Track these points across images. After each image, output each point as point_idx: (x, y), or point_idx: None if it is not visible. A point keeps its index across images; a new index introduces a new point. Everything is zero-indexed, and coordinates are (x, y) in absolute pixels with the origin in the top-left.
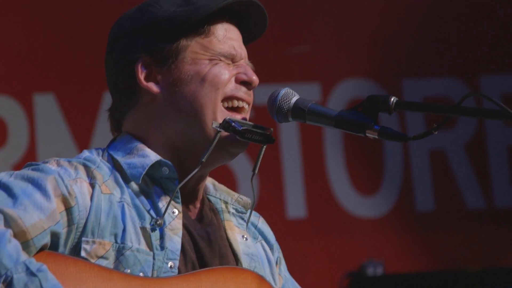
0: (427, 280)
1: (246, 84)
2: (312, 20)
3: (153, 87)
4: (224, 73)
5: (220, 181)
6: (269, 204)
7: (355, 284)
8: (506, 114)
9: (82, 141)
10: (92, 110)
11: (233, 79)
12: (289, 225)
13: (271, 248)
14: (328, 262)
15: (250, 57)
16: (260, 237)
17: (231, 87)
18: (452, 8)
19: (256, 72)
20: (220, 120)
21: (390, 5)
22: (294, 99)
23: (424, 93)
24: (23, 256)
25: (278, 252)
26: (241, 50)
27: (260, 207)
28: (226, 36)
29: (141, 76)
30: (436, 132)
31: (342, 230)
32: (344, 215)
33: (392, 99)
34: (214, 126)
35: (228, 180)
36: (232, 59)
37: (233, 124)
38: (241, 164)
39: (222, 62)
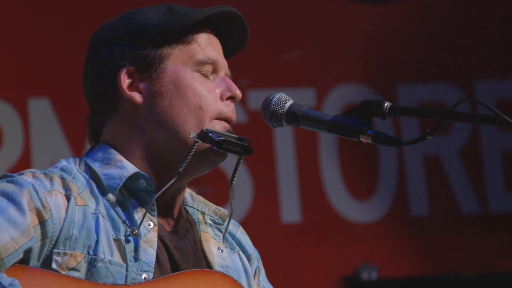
0: (421, 285)
1: (231, 98)
2: (307, 26)
3: (136, 96)
4: (206, 93)
5: (213, 186)
6: (263, 208)
7: None
8: (500, 120)
9: (77, 146)
10: (87, 115)
11: (218, 97)
12: (283, 230)
13: (249, 258)
14: (322, 266)
15: (246, 62)
16: (237, 248)
17: (221, 108)
18: (447, 14)
19: (251, 76)
20: (198, 131)
21: (385, 10)
22: (288, 104)
23: (419, 98)
24: None
25: (257, 262)
26: (222, 59)
27: (254, 211)
28: (208, 44)
29: (124, 85)
30: (430, 137)
31: (337, 235)
32: (338, 220)
33: (386, 104)
34: (191, 136)
35: (221, 185)
36: (214, 66)
37: (210, 134)
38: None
39: (202, 75)
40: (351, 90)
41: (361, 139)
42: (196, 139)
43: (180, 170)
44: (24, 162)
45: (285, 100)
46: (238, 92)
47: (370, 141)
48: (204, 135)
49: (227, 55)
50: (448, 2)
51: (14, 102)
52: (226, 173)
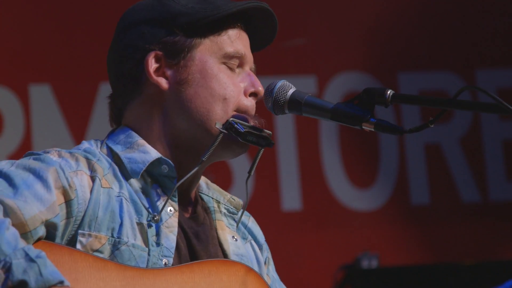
0: (421, 273)
1: (253, 94)
2: (308, 13)
3: (162, 82)
4: (231, 86)
5: (217, 177)
6: (264, 196)
7: (349, 277)
8: (502, 108)
9: (78, 132)
10: (88, 101)
11: (242, 92)
12: (284, 218)
13: (260, 248)
14: (323, 254)
15: None
16: (249, 237)
17: (245, 103)
18: (449, 2)
19: None
20: (224, 121)
21: None
22: (290, 91)
23: (420, 86)
24: (21, 243)
25: (267, 252)
26: (249, 54)
27: (255, 200)
28: (238, 38)
29: (151, 69)
30: (432, 125)
31: (337, 223)
32: (339, 208)
33: (388, 92)
34: (217, 126)
35: (224, 177)
36: (240, 61)
37: (236, 126)
38: (239, 162)
39: (228, 68)
40: (352, 78)
41: (363, 127)
42: (222, 130)
43: (203, 159)
44: (25, 148)
45: (287, 87)
46: (261, 89)
47: (373, 129)
48: (229, 126)
49: (253, 48)
50: None
51: (15, 88)
52: (228, 161)
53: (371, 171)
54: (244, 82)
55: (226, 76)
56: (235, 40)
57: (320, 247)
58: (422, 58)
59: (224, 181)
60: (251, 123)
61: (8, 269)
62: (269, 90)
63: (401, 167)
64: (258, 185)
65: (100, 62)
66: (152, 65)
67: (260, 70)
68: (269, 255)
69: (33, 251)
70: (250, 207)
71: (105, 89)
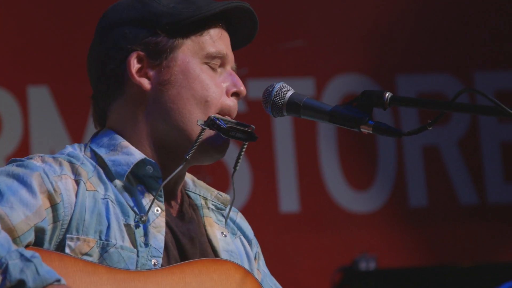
0: (419, 276)
1: (235, 94)
2: (307, 15)
3: (144, 82)
4: (213, 87)
5: (213, 175)
6: (262, 198)
7: (347, 279)
8: (500, 111)
9: (76, 134)
10: (86, 103)
11: (224, 92)
12: (282, 220)
13: (250, 243)
14: (320, 256)
15: (245, 51)
16: (238, 232)
17: (228, 103)
18: (447, 4)
19: (250, 66)
20: (205, 118)
21: (384, 0)
22: (289, 94)
23: (418, 89)
24: (14, 246)
25: (256, 247)
26: (230, 53)
27: (253, 201)
28: (220, 38)
29: (133, 69)
30: (430, 128)
31: (335, 225)
32: (337, 210)
33: (387, 95)
34: (199, 123)
35: (220, 174)
36: (222, 60)
37: (217, 122)
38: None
39: (210, 68)
40: (350, 80)
41: (362, 129)
42: (203, 126)
43: (187, 157)
44: (23, 150)
45: (286, 89)
46: (242, 89)
47: (371, 132)
48: (211, 122)
49: (233, 47)
50: None
51: (13, 89)
52: (225, 162)
53: (369, 173)
54: (226, 82)
55: (208, 76)
56: (217, 40)
57: (318, 249)
58: (420, 60)
59: (221, 182)
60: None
61: (5, 270)
62: (267, 92)
63: (399, 169)
64: (256, 186)
65: None
66: (135, 65)
67: (259, 72)
68: (259, 250)
69: (27, 252)
70: (248, 209)
71: None
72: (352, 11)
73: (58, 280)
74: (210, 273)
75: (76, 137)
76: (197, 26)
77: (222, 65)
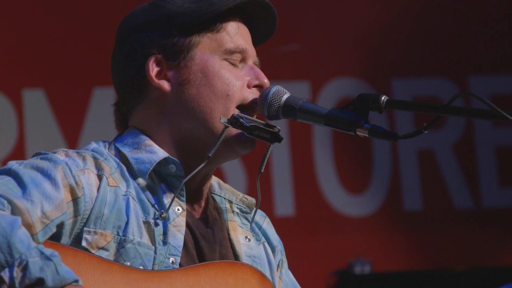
0: (414, 279)
1: (258, 87)
2: (303, 19)
3: (164, 85)
4: (233, 81)
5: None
6: (257, 196)
7: (342, 283)
8: (495, 114)
9: (71, 137)
10: (82, 106)
11: (245, 85)
12: (277, 223)
13: (273, 250)
14: (315, 260)
15: None
16: (263, 239)
17: (247, 95)
18: (442, 8)
19: None
20: (229, 116)
21: (380, 4)
22: (285, 97)
23: (414, 93)
24: (33, 243)
25: (281, 255)
26: (251, 48)
27: None
28: (238, 33)
29: (152, 73)
30: (426, 131)
31: (330, 229)
32: (332, 213)
33: (382, 98)
34: (222, 121)
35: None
36: (243, 55)
37: (241, 120)
38: (232, 165)
39: (230, 64)
40: (346, 84)
41: (357, 132)
42: (226, 124)
43: (209, 155)
44: (18, 153)
45: (282, 93)
46: (266, 81)
47: (367, 135)
48: (234, 120)
49: (255, 42)
50: None
51: (8, 92)
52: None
53: (364, 177)
54: (248, 75)
55: (228, 72)
56: (235, 36)
57: (313, 252)
58: (415, 64)
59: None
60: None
61: (24, 267)
62: (263, 95)
63: (394, 173)
64: (251, 190)
65: (94, 67)
66: (153, 69)
67: None
68: (283, 258)
69: (47, 250)
70: None
71: (99, 94)
72: (348, 15)
73: (76, 281)
74: (225, 276)
75: (71, 140)
76: (213, 23)
77: (243, 60)
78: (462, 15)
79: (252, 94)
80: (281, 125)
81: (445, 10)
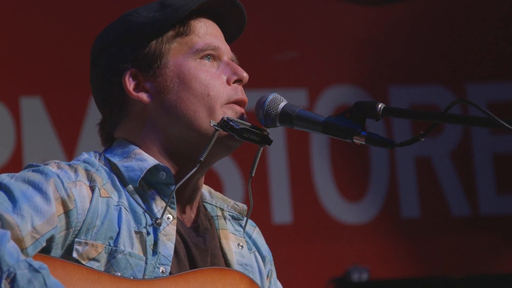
0: (412, 286)
1: (238, 82)
2: (300, 26)
3: (143, 96)
4: (211, 81)
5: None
6: (254, 209)
7: None
8: (492, 122)
9: (69, 145)
10: (79, 114)
11: (225, 82)
12: (274, 231)
13: (263, 260)
14: (313, 267)
15: (238, 62)
16: (254, 248)
17: (229, 93)
18: (439, 16)
19: None
20: (218, 119)
21: (377, 12)
22: (282, 105)
23: (411, 100)
24: (22, 256)
25: (270, 265)
26: (223, 45)
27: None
28: (207, 32)
29: (130, 87)
30: (423, 139)
31: (328, 236)
32: (329, 221)
33: (379, 106)
34: (212, 124)
35: (214, 184)
36: (216, 53)
37: (231, 123)
38: (227, 168)
39: (204, 64)
40: (343, 91)
41: (354, 140)
42: (217, 127)
43: (201, 159)
44: (15, 161)
45: (279, 100)
46: (244, 74)
47: (364, 142)
48: (224, 124)
49: (228, 40)
50: (440, 5)
51: (6, 100)
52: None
53: (361, 184)
54: (225, 72)
55: (204, 72)
56: (204, 35)
57: (310, 260)
58: (412, 71)
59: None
60: (243, 116)
61: (12, 279)
62: (260, 103)
63: (392, 180)
64: (247, 194)
65: None
66: (130, 83)
67: (252, 83)
68: (272, 268)
69: (35, 262)
70: None
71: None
72: (345, 23)
73: None
74: (214, 282)
75: (69, 148)
76: (180, 27)
77: (218, 57)
78: (459, 22)
79: (234, 91)
80: (278, 132)
81: (442, 17)
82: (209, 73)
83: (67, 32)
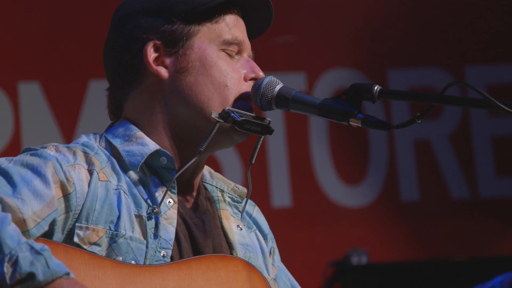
0: (411, 270)
1: (253, 80)
2: (298, 10)
3: (162, 71)
4: (231, 73)
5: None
6: (254, 193)
7: (339, 273)
8: (489, 103)
9: (67, 130)
10: (77, 99)
11: (242, 77)
12: (274, 215)
13: (265, 238)
14: (312, 251)
15: None
16: (254, 227)
17: (245, 88)
18: None
19: None
20: (220, 110)
21: None
22: (278, 87)
23: (409, 83)
24: (23, 238)
25: (272, 242)
26: (247, 41)
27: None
28: (236, 25)
29: (150, 59)
30: (419, 121)
31: (327, 220)
32: (329, 204)
33: (375, 88)
34: (213, 116)
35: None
36: (239, 47)
37: (232, 114)
38: (227, 154)
39: (227, 55)
40: (342, 75)
41: (351, 122)
42: (218, 119)
43: (201, 149)
44: (14, 145)
45: (275, 83)
46: (261, 74)
47: (360, 125)
48: (226, 115)
49: (249, 37)
50: None
51: (4, 85)
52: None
53: (360, 168)
54: (244, 68)
55: (225, 63)
56: (233, 27)
57: (310, 243)
58: (411, 54)
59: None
60: (250, 109)
61: (15, 262)
62: (256, 86)
63: (391, 163)
64: (246, 180)
65: (90, 59)
66: (151, 54)
67: None
68: (274, 245)
69: (37, 244)
70: None
71: (94, 87)
72: (343, 6)
73: (68, 274)
74: (217, 269)
75: (67, 133)
76: (212, 13)
77: (239, 52)
78: (457, 5)
79: (249, 88)
80: (277, 116)
81: (440, 0)
82: (230, 65)
83: (65, 17)
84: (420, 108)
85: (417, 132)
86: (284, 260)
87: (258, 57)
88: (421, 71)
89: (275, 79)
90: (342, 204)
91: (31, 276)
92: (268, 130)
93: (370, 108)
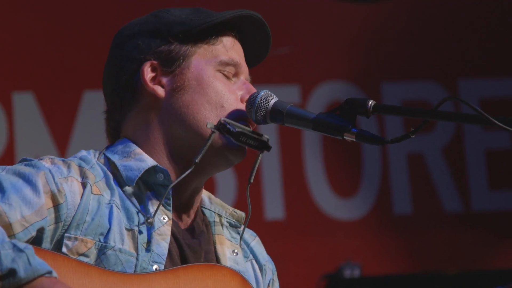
0: (404, 283)
1: None
2: (293, 22)
3: (158, 90)
4: (227, 94)
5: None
6: (247, 205)
7: (332, 286)
8: (483, 119)
9: (61, 140)
10: (72, 109)
11: (239, 99)
12: (267, 227)
13: (261, 269)
14: (305, 264)
15: None
16: (251, 256)
17: (241, 109)
18: (431, 12)
19: None
20: (215, 122)
21: (370, 9)
22: (272, 101)
23: (403, 96)
24: (8, 239)
25: (272, 275)
26: (244, 64)
27: (238, 208)
28: (232, 47)
29: (147, 78)
30: (413, 136)
31: (320, 232)
32: (322, 217)
33: (370, 103)
34: (208, 126)
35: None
36: (236, 70)
37: (228, 126)
38: (223, 172)
39: (224, 76)
40: (336, 88)
41: (345, 137)
42: (213, 129)
43: (196, 161)
44: (8, 156)
45: (269, 97)
46: None
47: (354, 140)
48: (221, 126)
49: (248, 64)
50: (432, 1)
51: None
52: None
53: (354, 181)
54: (240, 90)
55: (222, 83)
56: (230, 49)
57: (302, 256)
58: (405, 68)
59: (228, 190)
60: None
61: None
62: (251, 100)
63: (384, 176)
64: (241, 194)
65: (84, 70)
66: (148, 74)
67: None
68: (275, 277)
69: (20, 243)
70: None
71: (88, 97)
72: (338, 19)
73: (50, 272)
74: (205, 279)
75: (61, 144)
76: (209, 34)
77: (236, 74)
78: (451, 19)
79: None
80: (270, 129)
81: (434, 13)
82: (226, 86)
83: (60, 28)
84: (414, 122)
85: (410, 145)
86: (277, 272)
87: (253, 69)
88: (415, 84)
89: (270, 93)
90: (335, 216)
91: (12, 272)
92: (266, 146)
93: (364, 122)
